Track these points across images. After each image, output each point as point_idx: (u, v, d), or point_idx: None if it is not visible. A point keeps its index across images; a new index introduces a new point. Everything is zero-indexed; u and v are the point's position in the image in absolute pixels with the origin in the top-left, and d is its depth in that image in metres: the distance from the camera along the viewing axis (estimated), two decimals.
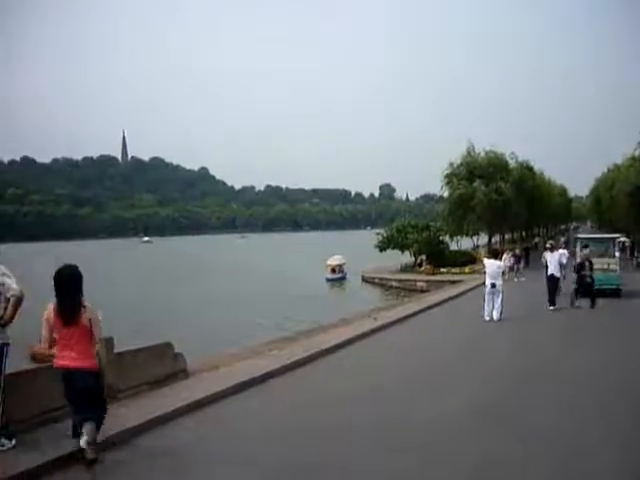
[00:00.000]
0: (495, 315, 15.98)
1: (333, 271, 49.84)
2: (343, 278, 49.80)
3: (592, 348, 12.20)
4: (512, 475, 5.59)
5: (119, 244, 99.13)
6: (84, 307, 6.01)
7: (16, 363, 7.35)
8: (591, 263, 18.83)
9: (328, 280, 48.74)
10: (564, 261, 19.12)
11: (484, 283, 16.92)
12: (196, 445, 6.51)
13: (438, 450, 6.29)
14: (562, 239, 45.10)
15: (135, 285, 46.17)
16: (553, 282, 18.33)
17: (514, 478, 5.53)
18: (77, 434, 5.95)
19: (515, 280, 28.89)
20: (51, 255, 52.63)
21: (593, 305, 18.14)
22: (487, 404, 7.88)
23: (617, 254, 22.33)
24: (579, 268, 18.48)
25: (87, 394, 5.93)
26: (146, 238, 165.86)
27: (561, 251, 19.57)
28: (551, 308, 17.95)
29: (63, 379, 6.04)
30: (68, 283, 6.01)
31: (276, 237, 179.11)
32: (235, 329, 23.31)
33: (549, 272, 18.45)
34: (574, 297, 18.39)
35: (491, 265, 16.60)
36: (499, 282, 16.24)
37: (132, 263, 74.19)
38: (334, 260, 51.23)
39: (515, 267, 31.05)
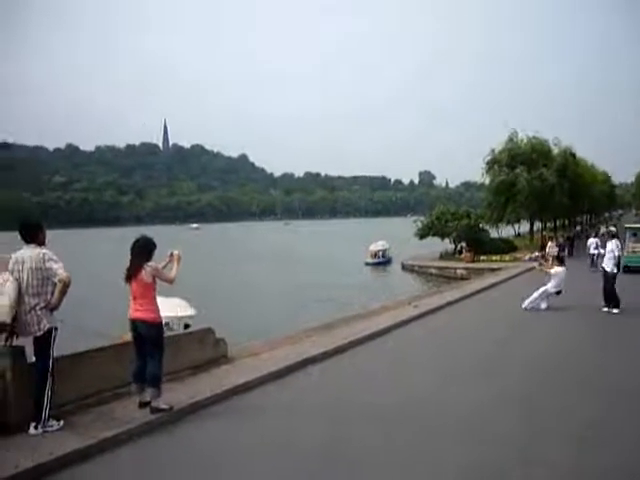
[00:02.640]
0: (526, 302, 15.85)
1: (375, 256, 52.86)
2: (385, 262, 52.48)
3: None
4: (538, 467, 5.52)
5: (168, 231, 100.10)
6: (144, 267, 6.83)
7: None
8: None
9: (367, 264, 51.18)
10: (617, 253, 15.44)
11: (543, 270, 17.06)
12: (234, 430, 6.63)
13: (466, 431, 6.44)
14: (602, 227, 43.07)
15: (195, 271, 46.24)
16: (605, 279, 15.19)
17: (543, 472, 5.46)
18: (137, 379, 6.91)
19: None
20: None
21: None
22: (520, 396, 7.76)
23: None
24: None
25: (146, 342, 6.88)
26: (195, 225, 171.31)
27: (614, 241, 15.67)
28: (615, 311, 14.78)
29: (131, 328, 7.01)
30: (138, 248, 6.98)
31: (317, 223, 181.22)
32: (278, 315, 23.72)
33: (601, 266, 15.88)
34: None
35: (560, 273, 15.98)
36: (562, 286, 16.03)
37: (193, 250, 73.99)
38: (377, 246, 54.46)
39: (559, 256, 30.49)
